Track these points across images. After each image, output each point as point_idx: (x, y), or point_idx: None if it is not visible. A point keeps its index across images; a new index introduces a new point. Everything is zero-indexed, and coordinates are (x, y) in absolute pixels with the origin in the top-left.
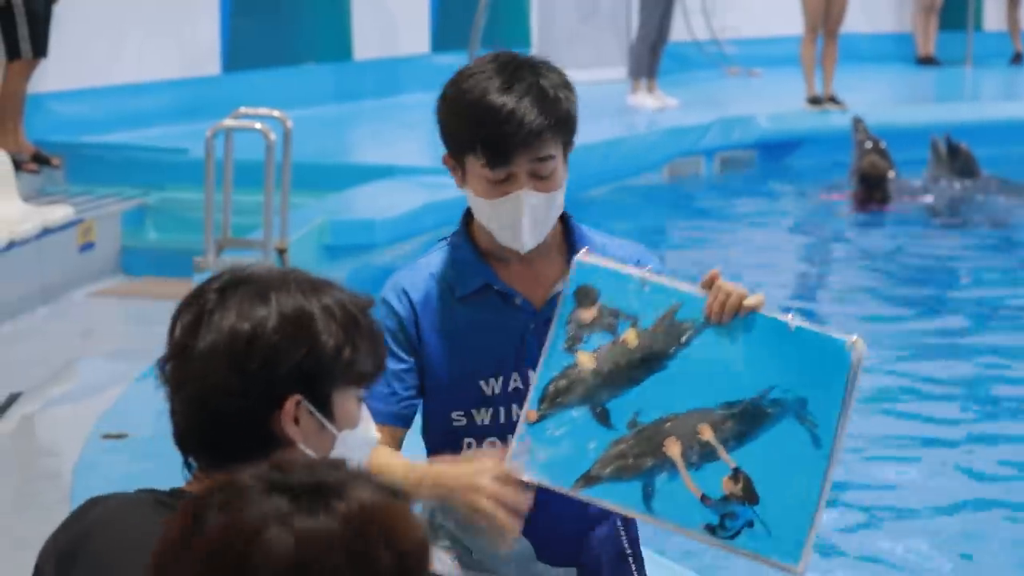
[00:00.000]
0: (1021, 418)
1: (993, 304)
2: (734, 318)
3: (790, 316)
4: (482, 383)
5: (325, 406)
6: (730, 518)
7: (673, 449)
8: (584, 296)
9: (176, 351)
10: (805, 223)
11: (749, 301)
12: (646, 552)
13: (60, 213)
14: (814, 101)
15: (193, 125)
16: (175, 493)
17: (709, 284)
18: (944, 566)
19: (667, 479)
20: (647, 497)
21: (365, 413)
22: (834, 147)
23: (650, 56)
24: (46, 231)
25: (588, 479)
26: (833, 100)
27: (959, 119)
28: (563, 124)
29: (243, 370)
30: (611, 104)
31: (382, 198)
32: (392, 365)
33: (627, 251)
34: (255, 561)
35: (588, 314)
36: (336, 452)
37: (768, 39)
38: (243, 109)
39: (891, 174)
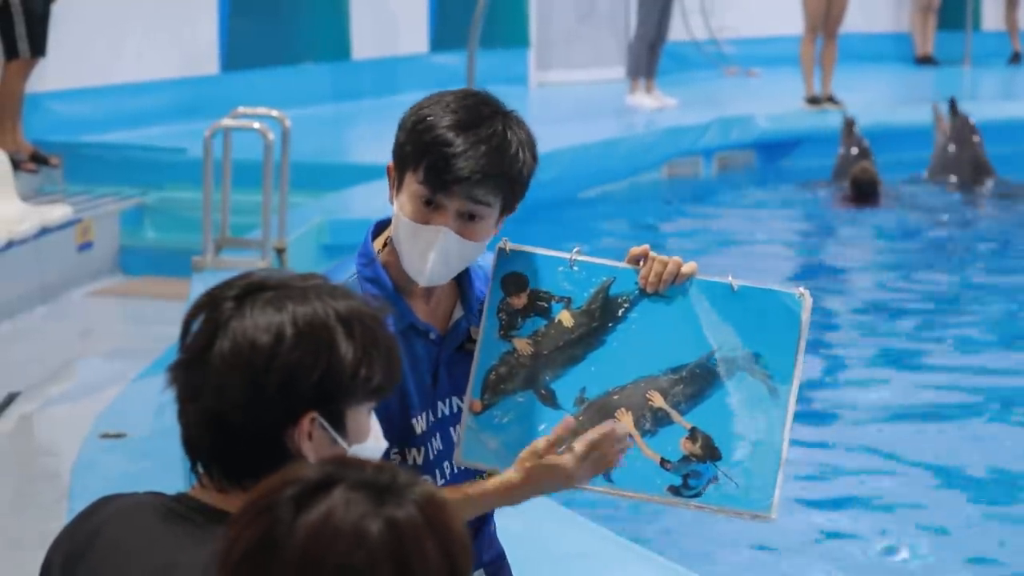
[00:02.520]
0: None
1: (991, 298)
2: (670, 287)
3: (730, 277)
4: (414, 421)
5: (339, 422)
6: (693, 477)
7: (625, 419)
8: (512, 283)
9: (190, 359)
10: (803, 222)
11: (685, 268)
12: (645, 552)
13: (59, 213)
14: (812, 101)
15: (191, 125)
16: (182, 498)
17: (636, 259)
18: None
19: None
20: (605, 470)
21: (374, 424)
22: (833, 147)
23: (648, 56)
24: (44, 231)
25: None
26: (832, 100)
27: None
28: (511, 183)
29: (261, 387)
30: (609, 104)
31: (380, 198)
32: None
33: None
34: (357, 557)
35: (519, 300)
36: None
37: (766, 39)
38: (241, 109)
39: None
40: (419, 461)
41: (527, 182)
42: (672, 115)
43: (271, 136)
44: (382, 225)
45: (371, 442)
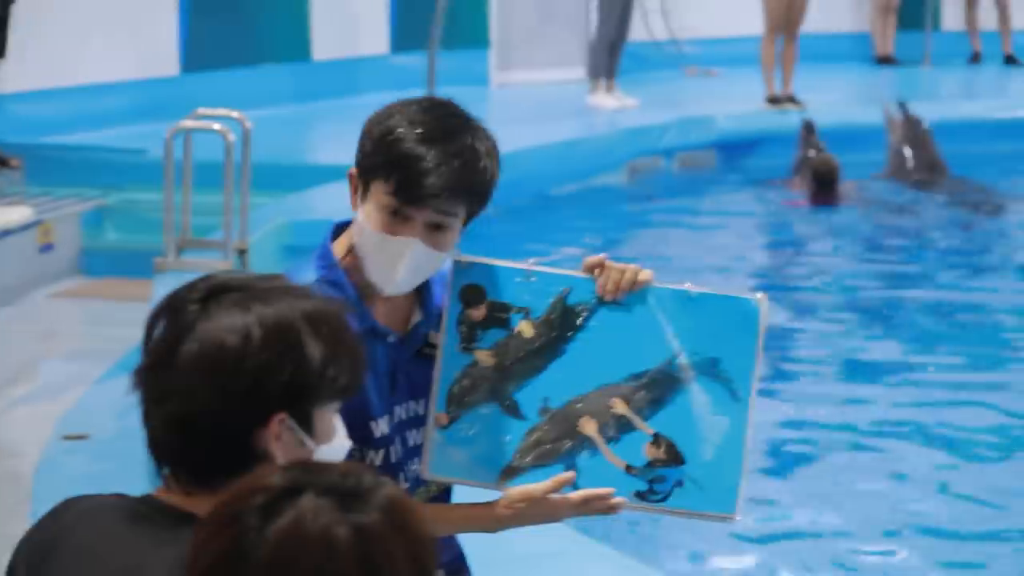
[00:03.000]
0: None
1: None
2: (628, 294)
3: (687, 284)
4: (372, 424)
5: (307, 422)
6: (658, 482)
7: (589, 427)
8: (470, 295)
9: (155, 361)
10: (764, 221)
11: (642, 276)
12: (609, 551)
13: (19, 214)
14: (773, 101)
15: (152, 126)
16: (147, 500)
17: (592, 268)
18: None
19: (588, 457)
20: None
21: (339, 425)
22: (793, 146)
23: (609, 56)
24: (5, 232)
25: (510, 471)
26: (792, 100)
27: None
28: (478, 196)
29: (229, 389)
30: (570, 104)
31: (342, 198)
32: None
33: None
34: (327, 565)
35: (478, 312)
36: None
37: (726, 39)
38: (202, 110)
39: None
40: (378, 463)
41: (492, 191)
42: (633, 115)
43: (232, 137)
44: (341, 227)
45: (337, 441)
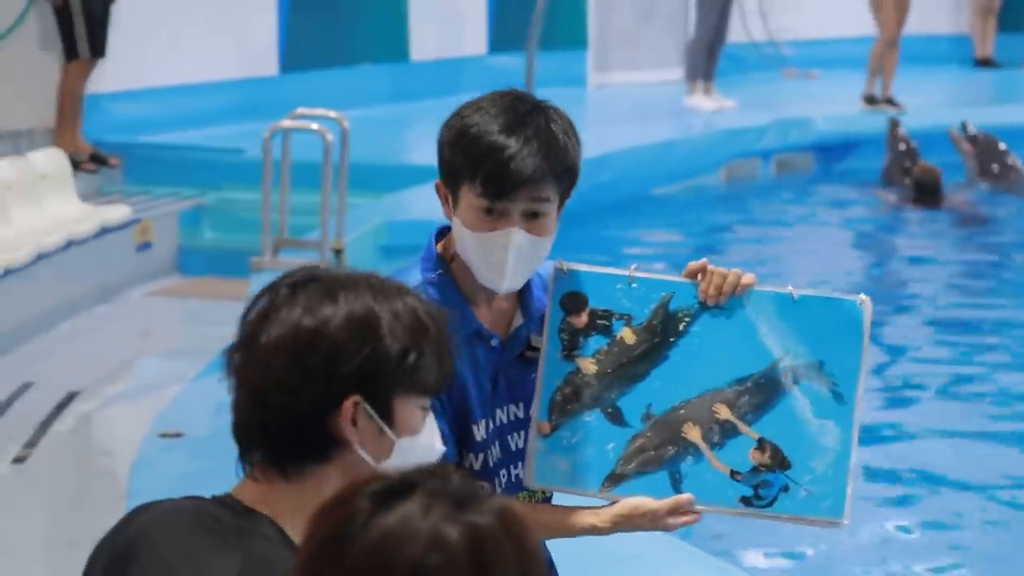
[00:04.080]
0: None
1: None
2: (730, 299)
3: (790, 287)
4: (474, 427)
5: (385, 410)
6: (764, 487)
7: (693, 433)
8: (571, 303)
9: (243, 342)
10: (862, 225)
11: (744, 279)
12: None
13: (118, 213)
14: (870, 100)
15: (250, 125)
16: (221, 500)
17: (694, 273)
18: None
19: (692, 463)
20: (675, 483)
21: (431, 425)
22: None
23: (707, 57)
24: (104, 230)
25: (614, 478)
26: (891, 102)
27: (1017, 122)
28: (566, 174)
29: (303, 366)
30: (668, 105)
31: (438, 199)
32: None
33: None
34: (432, 559)
35: (579, 320)
36: (394, 459)
37: (825, 40)
38: (300, 110)
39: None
40: (477, 467)
41: (578, 167)
42: (730, 117)
43: (330, 137)
44: (444, 230)
45: (425, 438)
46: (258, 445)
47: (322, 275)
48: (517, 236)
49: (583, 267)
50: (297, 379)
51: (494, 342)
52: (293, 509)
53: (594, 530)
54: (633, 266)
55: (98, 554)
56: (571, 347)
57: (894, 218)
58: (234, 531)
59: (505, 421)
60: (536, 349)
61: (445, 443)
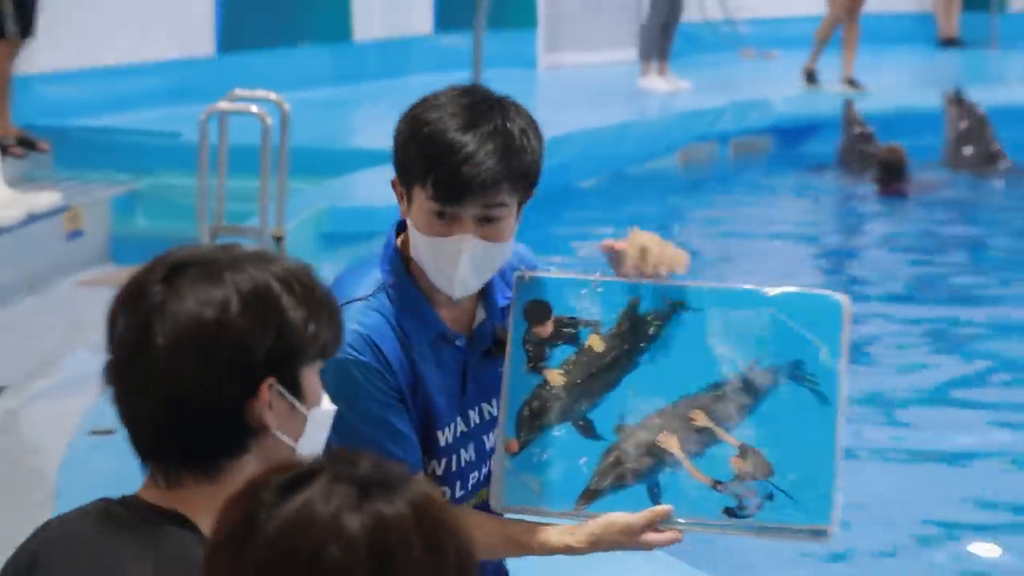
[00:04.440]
0: None
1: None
2: (701, 298)
3: (766, 288)
4: (439, 433)
5: (295, 386)
6: (748, 496)
7: (670, 443)
8: (535, 311)
9: (128, 351)
10: (825, 211)
11: (670, 253)
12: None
13: (47, 199)
14: (810, 78)
15: (186, 108)
16: (128, 501)
17: (612, 249)
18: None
19: (671, 474)
20: (654, 497)
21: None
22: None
23: (661, 37)
24: (32, 218)
25: (588, 495)
26: (852, 83)
27: (985, 102)
28: (523, 177)
29: (213, 362)
30: (621, 87)
31: (384, 184)
32: (400, 425)
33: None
34: (331, 550)
35: (545, 330)
36: (308, 433)
37: (784, 19)
38: (238, 91)
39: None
40: (439, 472)
41: (539, 168)
42: (686, 99)
43: (269, 120)
44: (403, 225)
45: (326, 405)
46: (168, 452)
47: (191, 259)
48: (470, 244)
49: (546, 273)
50: (210, 376)
51: (459, 342)
52: (211, 507)
53: (569, 550)
54: (598, 272)
55: (9, 567)
56: (537, 358)
57: (858, 203)
58: (147, 532)
59: (478, 421)
60: (502, 344)
61: (412, 452)
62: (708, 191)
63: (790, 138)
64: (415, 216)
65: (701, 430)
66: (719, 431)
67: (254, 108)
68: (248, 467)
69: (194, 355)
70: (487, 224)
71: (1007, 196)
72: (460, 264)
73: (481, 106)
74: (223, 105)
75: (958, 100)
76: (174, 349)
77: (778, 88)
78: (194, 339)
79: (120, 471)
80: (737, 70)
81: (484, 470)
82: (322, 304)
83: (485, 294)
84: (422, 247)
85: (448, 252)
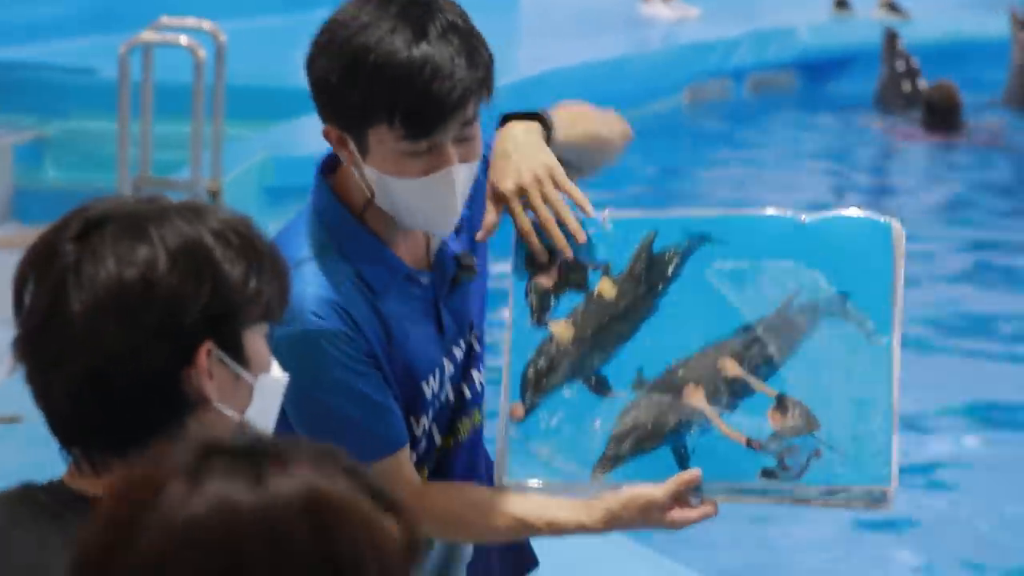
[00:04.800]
0: None
1: None
2: (729, 227)
3: (803, 216)
4: (423, 385)
5: (238, 351)
6: (790, 455)
7: (696, 398)
8: (536, 260)
9: (38, 322)
10: (858, 159)
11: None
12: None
13: None
14: (841, 4)
15: (103, 38)
16: (52, 488)
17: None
18: None
19: (699, 434)
20: (682, 461)
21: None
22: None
23: None
24: None
25: (606, 462)
26: (892, 7)
27: None
28: (489, 74)
29: (139, 326)
30: (619, 15)
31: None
32: (379, 396)
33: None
34: (146, 519)
35: (548, 279)
36: (255, 403)
37: None
38: (165, 19)
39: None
40: (427, 427)
41: (493, 63)
42: (695, 28)
43: (202, 53)
44: (330, 164)
45: (276, 371)
46: (93, 433)
47: (109, 214)
48: (459, 172)
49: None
50: (136, 344)
51: (424, 279)
52: None
53: (582, 528)
54: (606, 209)
55: None
56: (541, 310)
57: (898, 150)
58: (73, 521)
59: (460, 357)
60: (468, 268)
61: (395, 425)
62: (720, 137)
63: (818, 74)
64: (381, 163)
65: (731, 380)
66: (753, 380)
67: (184, 39)
68: None
69: (116, 320)
70: (462, 144)
71: None
72: (454, 196)
73: (413, 8)
74: (147, 36)
75: None
76: (92, 315)
77: (803, 14)
78: (115, 302)
79: (26, 463)
80: None
81: (478, 414)
82: (264, 257)
83: None
84: (405, 193)
85: (440, 189)
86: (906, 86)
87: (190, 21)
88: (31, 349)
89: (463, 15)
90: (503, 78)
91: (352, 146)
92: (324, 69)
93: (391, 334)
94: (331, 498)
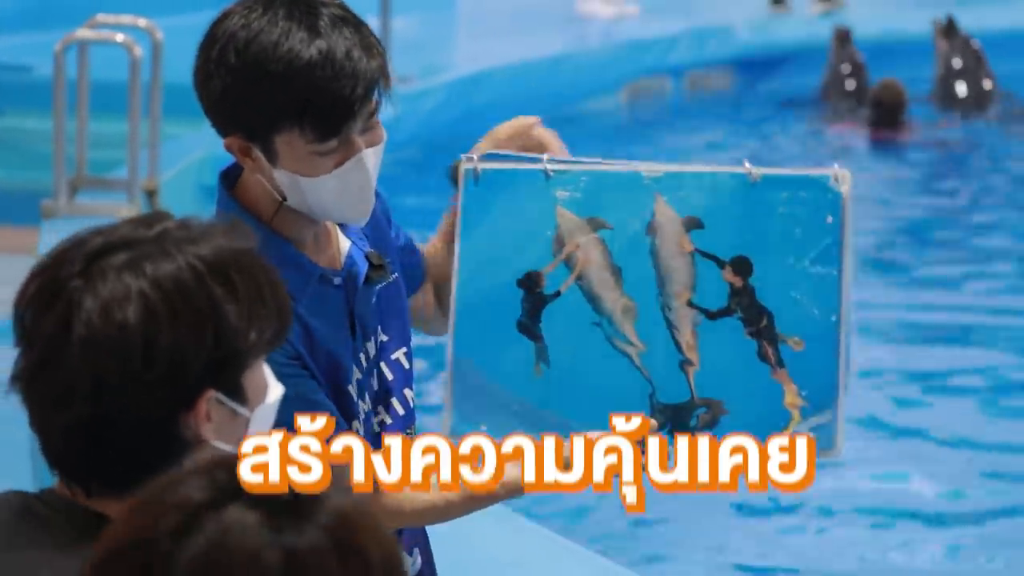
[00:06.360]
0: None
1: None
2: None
3: (747, 166)
4: (349, 389)
5: (237, 390)
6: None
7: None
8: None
9: (42, 358)
10: (799, 159)
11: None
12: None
13: None
14: (777, 0)
15: (38, 36)
16: (46, 497)
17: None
18: None
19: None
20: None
21: (268, 372)
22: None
23: None
24: None
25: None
26: None
27: (988, 26)
28: (385, 61)
29: (143, 378)
30: (556, 12)
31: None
32: (316, 396)
33: None
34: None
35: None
36: (252, 430)
37: None
38: (101, 16)
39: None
40: (361, 430)
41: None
42: (632, 26)
43: (139, 51)
44: (231, 172)
45: (271, 396)
46: (90, 472)
47: (110, 245)
48: (368, 157)
49: (496, 164)
50: (138, 392)
51: (337, 280)
52: None
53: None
54: (546, 155)
55: None
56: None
57: (841, 148)
58: (69, 530)
59: (372, 353)
60: (380, 267)
61: (338, 423)
62: (659, 136)
63: (756, 71)
64: (290, 164)
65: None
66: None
67: (120, 37)
68: None
69: (118, 368)
70: (369, 131)
71: (1003, 141)
72: (369, 184)
73: (297, 8)
74: (83, 33)
75: (948, 30)
76: (94, 362)
77: (741, 11)
78: (117, 349)
79: None
80: None
81: (394, 405)
82: (264, 292)
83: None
84: (319, 190)
85: (356, 179)
86: (851, 84)
87: (126, 18)
88: (30, 385)
89: (342, 5)
90: (440, 77)
91: (257, 153)
92: (222, 82)
93: (313, 340)
94: (361, 530)
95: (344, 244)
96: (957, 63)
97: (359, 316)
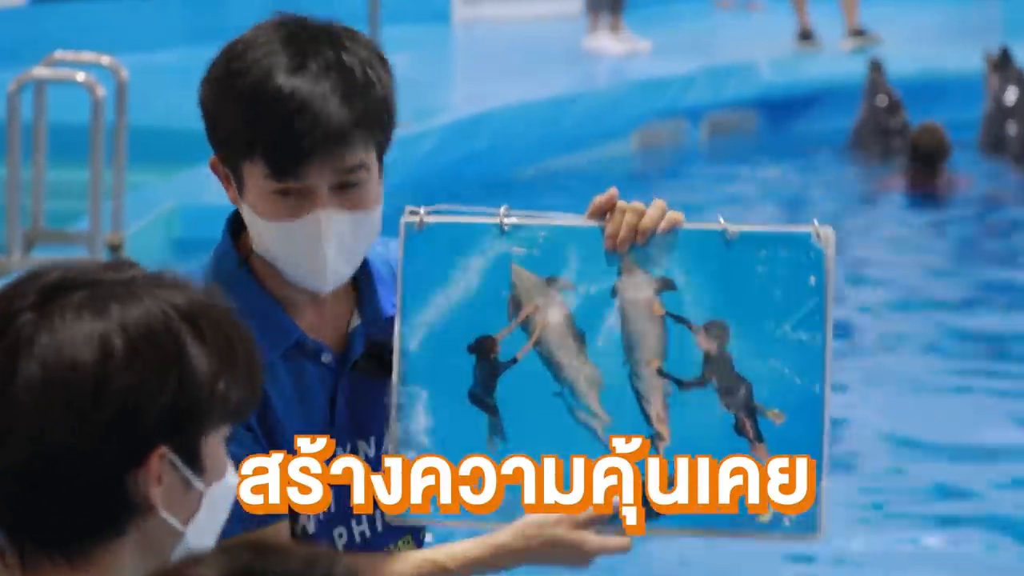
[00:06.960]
0: None
1: None
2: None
3: (723, 222)
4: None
5: (193, 457)
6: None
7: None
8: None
9: None
10: (827, 206)
11: (673, 216)
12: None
13: None
14: (805, 36)
15: None
16: None
17: (601, 211)
18: None
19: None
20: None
21: (226, 455)
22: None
23: None
24: None
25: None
26: (860, 34)
27: None
28: (376, 117)
29: (90, 422)
30: (562, 48)
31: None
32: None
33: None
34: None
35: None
36: (203, 514)
37: None
38: (59, 53)
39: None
40: (311, 529)
41: (394, 103)
42: (646, 63)
43: (101, 91)
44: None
45: (229, 477)
46: (25, 528)
47: (71, 282)
48: (330, 220)
49: (440, 218)
50: (84, 440)
51: (325, 357)
52: None
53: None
54: (503, 207)
55: None
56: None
57: (874, 199)
58: None
59: (371, 455)
60: (378, 357)
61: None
62: (673, 183)
63: (782, 113)
64: (252, 200)
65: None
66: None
67: (81, 76)
68: (123, 555)
69: (65, 411)
70: (345, 191)
71: None
72: (323, 248)
73: (304, 37)
74: (40, 72)
75: (1003, 63)
76: (39, 401)
77: (765, 48)
78: (65, 392)
79: None
80: (712, 25)
81: (357, 528)
82: (236, 351)
83: (362, 291)
84: (269, 237)
85: (304, 237)
86: (887, 123)
87: (87, 55)
88: None
89: (364, 55)
90: (434, 120)
91: (231, 179)
92: (207, 92)
93: (265, 406)
94: None
95: (355, 321)
96: (1010, 99)
97: (342, 404)
